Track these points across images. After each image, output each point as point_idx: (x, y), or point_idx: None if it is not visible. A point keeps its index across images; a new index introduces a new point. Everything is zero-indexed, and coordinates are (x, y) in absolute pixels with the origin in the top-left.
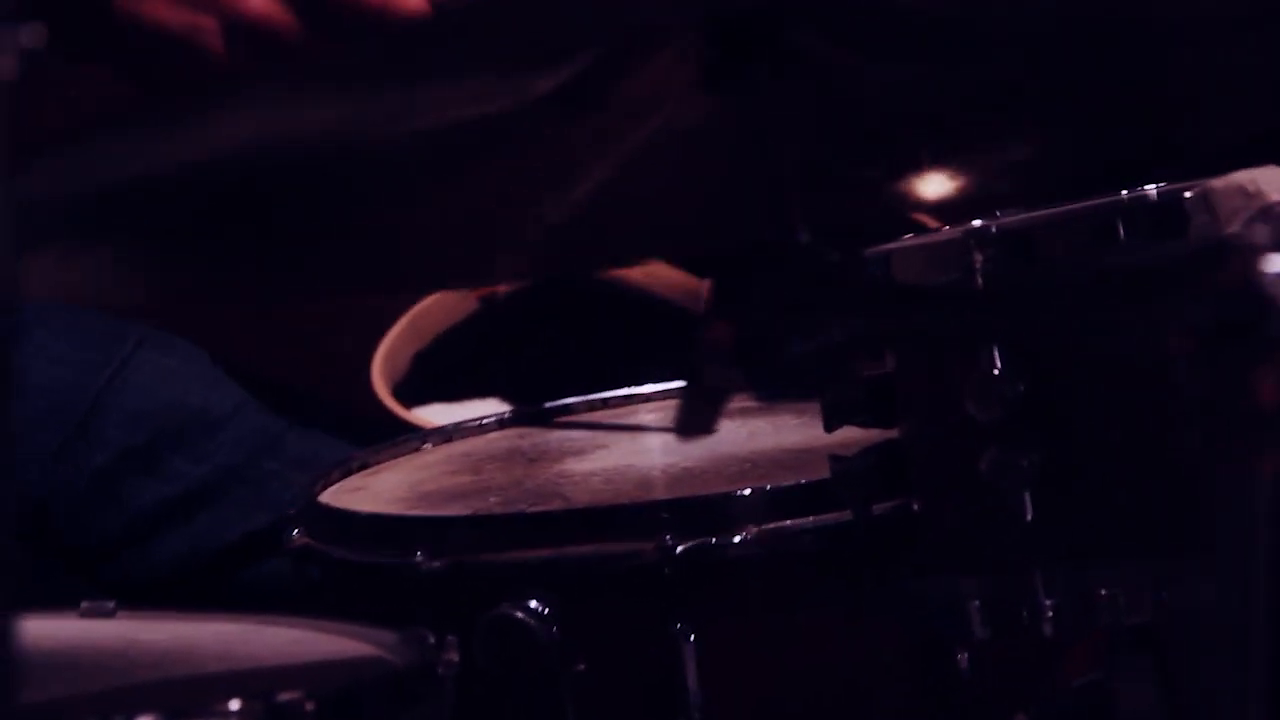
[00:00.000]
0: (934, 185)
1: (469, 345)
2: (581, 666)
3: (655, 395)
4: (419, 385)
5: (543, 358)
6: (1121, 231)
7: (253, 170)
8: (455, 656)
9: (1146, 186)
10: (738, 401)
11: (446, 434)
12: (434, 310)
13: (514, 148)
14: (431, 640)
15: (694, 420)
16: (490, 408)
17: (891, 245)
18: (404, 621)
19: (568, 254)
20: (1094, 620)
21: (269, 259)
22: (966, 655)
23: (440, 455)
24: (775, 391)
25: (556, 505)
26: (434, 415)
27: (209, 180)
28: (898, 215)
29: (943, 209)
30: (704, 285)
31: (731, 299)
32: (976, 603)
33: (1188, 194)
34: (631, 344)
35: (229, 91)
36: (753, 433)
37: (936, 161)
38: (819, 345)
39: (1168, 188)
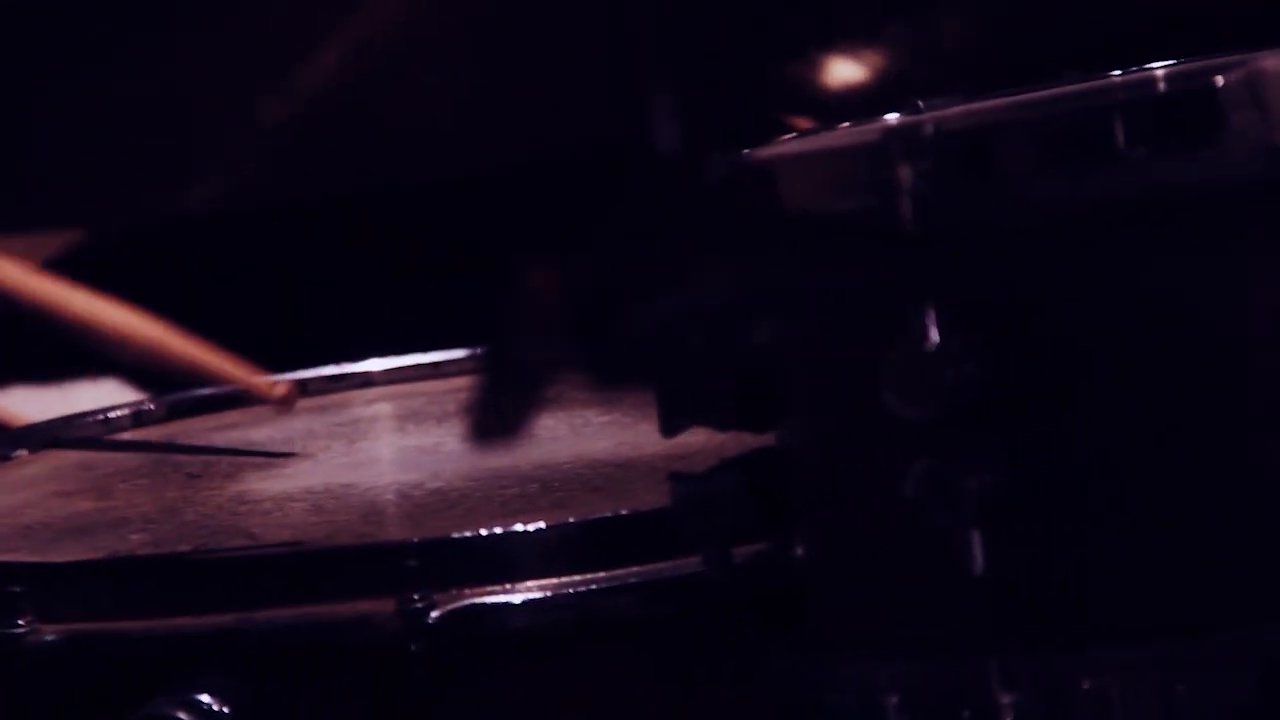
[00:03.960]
0: (838, 70)
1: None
2: None
3: (379, 377)
4: None
5: (200, 307)
6: (1120, 136)
7: None
8: None
9: (1151, 65)
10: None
11: (49, 434)
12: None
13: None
14: None
15: (493, 417)
16: (114, 394)
17: (771, 150)
18: None
19: (291, 170)
20: None
21: None
22: None
23: (43, 468)
24: (608, 373)
25: (237, 545)
26: (20, 404)
27: None
28: (788, 108)
29: (841, 102)
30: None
31: (560, 234)
32: (895, 699)
33: (1221, 78)
34: (344, 288)
35: None
36: (535, 436)
37: (838, 38)
38: (695, 304)
39: (1187, 68)
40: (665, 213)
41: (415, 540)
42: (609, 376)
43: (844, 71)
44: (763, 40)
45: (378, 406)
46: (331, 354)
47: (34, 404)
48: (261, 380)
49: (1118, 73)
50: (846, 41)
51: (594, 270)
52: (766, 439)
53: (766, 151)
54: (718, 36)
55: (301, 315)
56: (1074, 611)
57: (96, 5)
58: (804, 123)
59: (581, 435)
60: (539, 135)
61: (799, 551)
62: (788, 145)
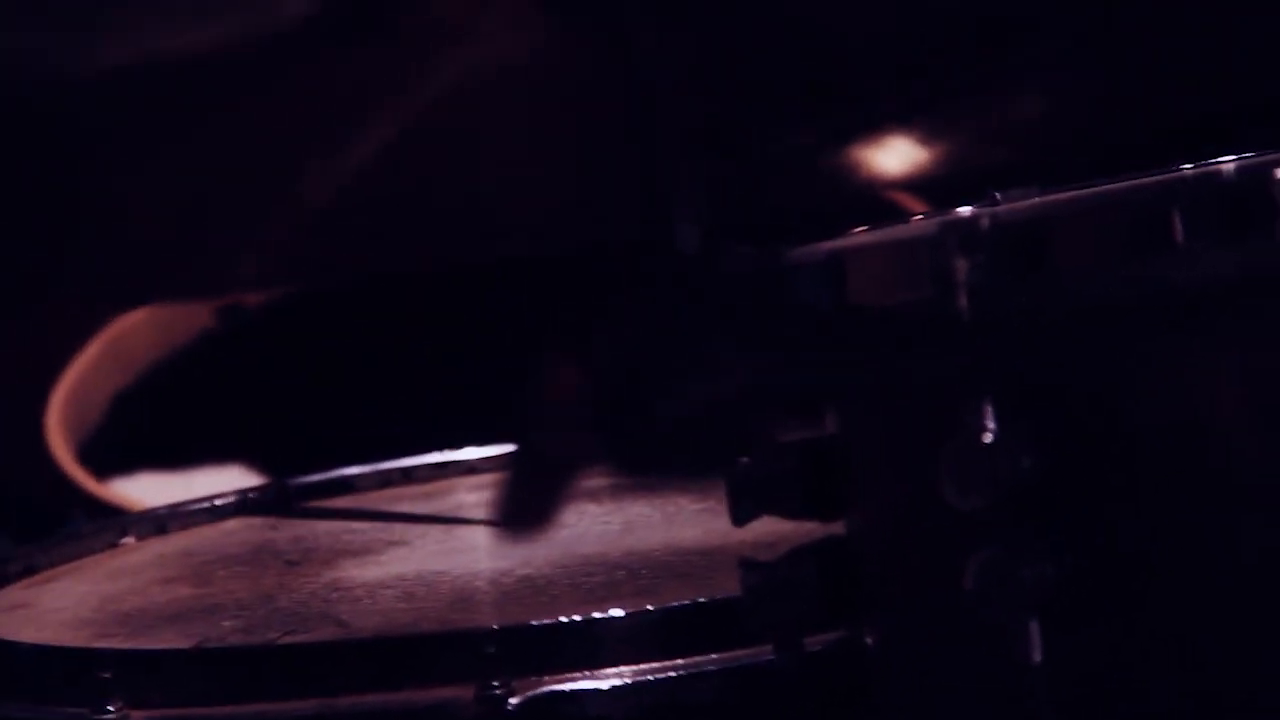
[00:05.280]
0: (899, 154)
1: (198, 383)
2: None
3: (483, 464)
4: (121, 444)
5: (312, 404)
6: (1179, 228)
7: None
8: None
9: (1219, 159)
10: (604, 479)
11: (158, 521)
12: (143, 329)
13: (260, 95)
14: None
15: (519, 507)
16: (230, 481)
17: (833, 244)
18: None
19: (335, 252)
20: None
21: None
22: None
23: (148, 555)
24: (655, 465)
25: (328, 633)
26: (143, 491)
27: None
28: (844, 198)
29: (911, 188)
30: None
31: (577, 329)
32: None
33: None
34: (450, 381)
35: None
36: (629, 524)
37: (903, 119)
38: (710, 398)
39: (1252, 161)
40: (686, 307)
41: (493, 627)
42: (642, 466)
43: (907, 158)
44: (801, 131)
45: (478, 494)
46: (390, 448)
47: (157, 490)
48: None
49: (1188, 166)
50: (914, 127)
51: (614, 363)
52: (839, 528)
53: (827, 245)
54: (759, 129)
55: (312, 404)
56: (1132, 702)
57: (146, 99)
58: (909, 201)
59: (674, 523)
60: (566, 230)
61: (869, 641)
62: (850, 239)
